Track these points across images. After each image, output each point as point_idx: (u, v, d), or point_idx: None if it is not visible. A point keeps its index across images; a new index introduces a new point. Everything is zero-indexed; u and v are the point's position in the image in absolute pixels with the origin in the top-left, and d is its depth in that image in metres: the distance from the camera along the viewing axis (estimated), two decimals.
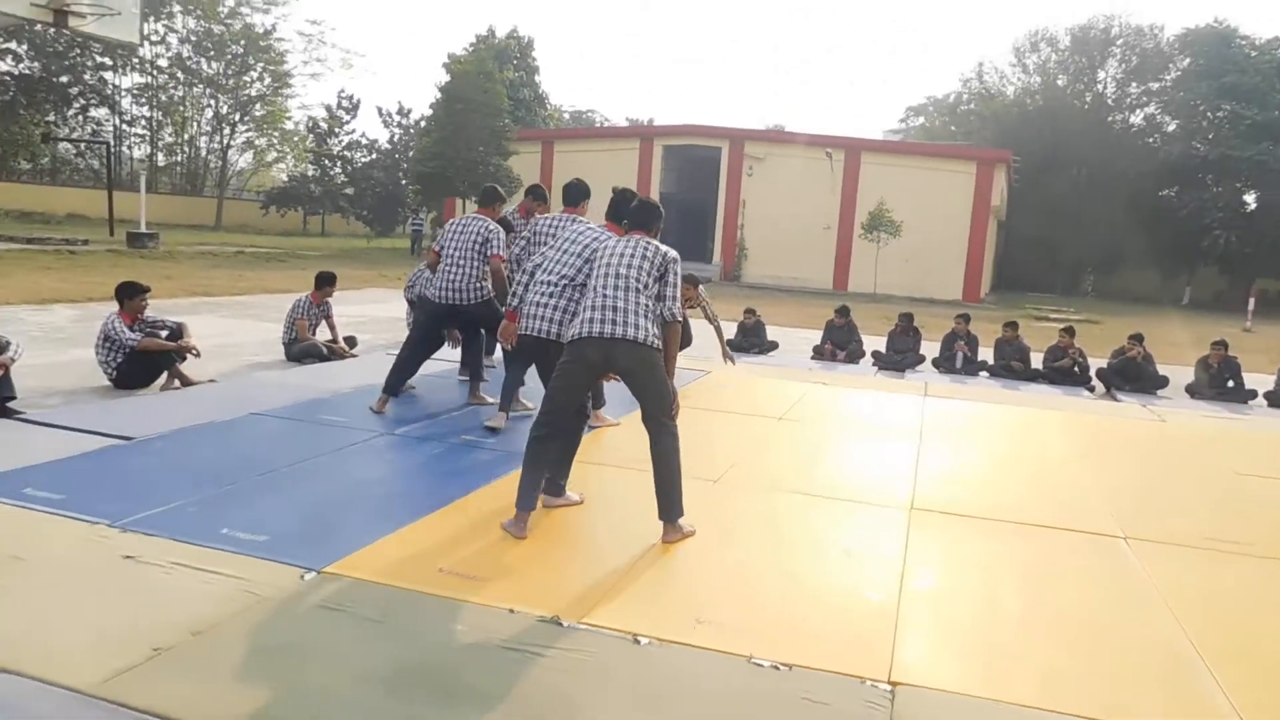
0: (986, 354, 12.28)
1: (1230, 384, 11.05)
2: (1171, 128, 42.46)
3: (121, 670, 2.75)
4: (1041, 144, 39.45)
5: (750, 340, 12.68)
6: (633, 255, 4.28)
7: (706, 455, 5.67)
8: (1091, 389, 11.25)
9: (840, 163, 30.64)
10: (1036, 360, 11.95)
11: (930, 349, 12.40)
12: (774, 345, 12.81)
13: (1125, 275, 41.24)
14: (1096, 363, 11.63)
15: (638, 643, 3.17)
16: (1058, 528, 4.86)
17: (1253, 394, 10.88)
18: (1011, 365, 11.73)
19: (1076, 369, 11.52)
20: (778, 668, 3.05)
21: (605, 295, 4.17)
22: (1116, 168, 39.42)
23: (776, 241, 30.94)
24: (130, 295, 7.38)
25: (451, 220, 6.77)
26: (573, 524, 4.50)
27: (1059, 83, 45.33)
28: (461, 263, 6.36)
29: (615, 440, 6.22)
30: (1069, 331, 12.08)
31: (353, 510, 4.51)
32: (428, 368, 7.29)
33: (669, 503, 4.23)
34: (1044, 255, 40.65)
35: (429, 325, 6.75)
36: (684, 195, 34.66)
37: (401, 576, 3.60)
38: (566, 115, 55.43)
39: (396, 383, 6.69)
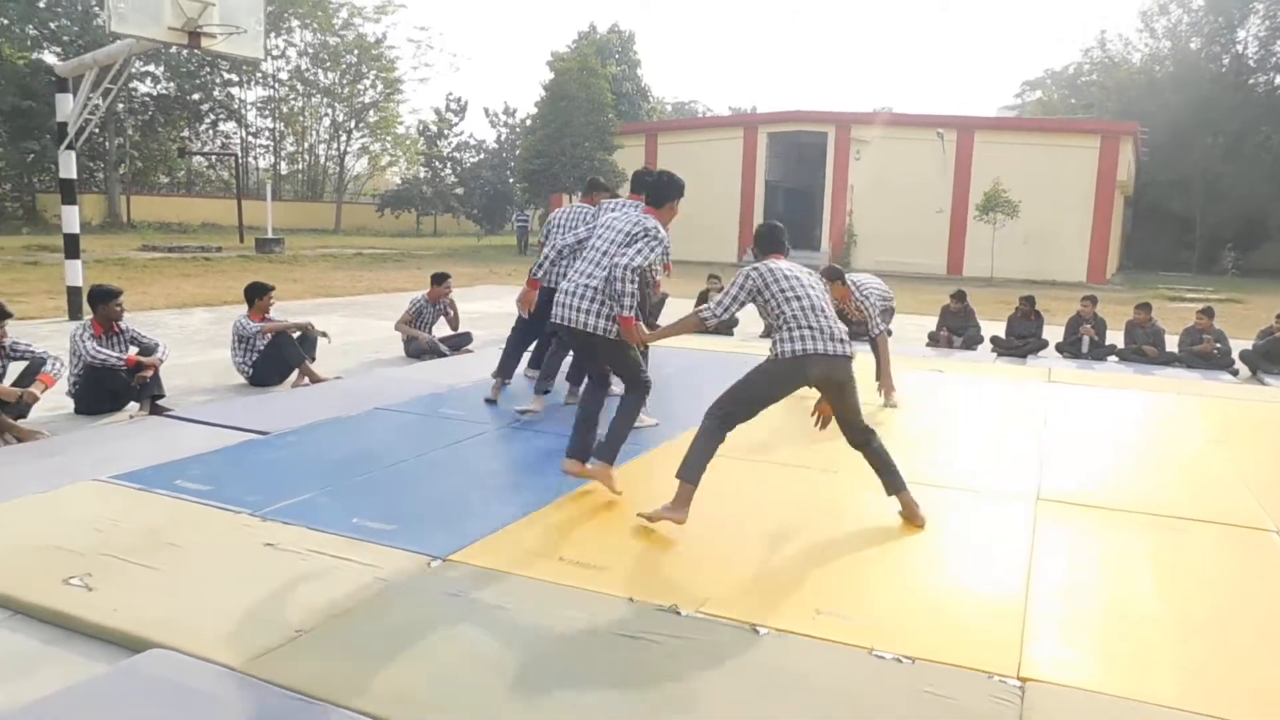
0: (1115, 338, 11.71)
1: None
2: None
3: (267, 650, 2.92)
4: (1171, 113, 37.28)
5: (858, 329, 12.43)
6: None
7: (825, 448, 5.60)
8: (1235, 373, 10.59)
9: (952, 143, 29.67)
10: (1171, 344, 11.32)
11: (1053, 334, 11.91)
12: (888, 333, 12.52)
13: (1271, 250, 38.54)
14: (1240, 345, 10.94)
15: (757, 633, 3.16)
16: (1197, 519, 4.62)
17: None
18: (1144, 350, 11.16)
19: (1217, 352, 10.86)
20: (900, 660, 2.99)
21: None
22: (1259, 133, 36.88)
23: (886, 227, 30.22)
24: (259, 295, 7.78)
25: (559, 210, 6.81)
26: (693, 514, 4.50)
27: (1192, 46, 42.67)
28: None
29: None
30: (1208, 312, 11.38)
31: (474, 500, 4.65)
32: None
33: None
34: (1177, 232, 38.41)
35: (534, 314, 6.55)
36: (790, 182, 34.24)
37: (522, 565, 3.69)
38: (669, 107, 55.44)
39: (508, 369, 6.86)
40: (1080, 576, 3.87)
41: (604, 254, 4.60)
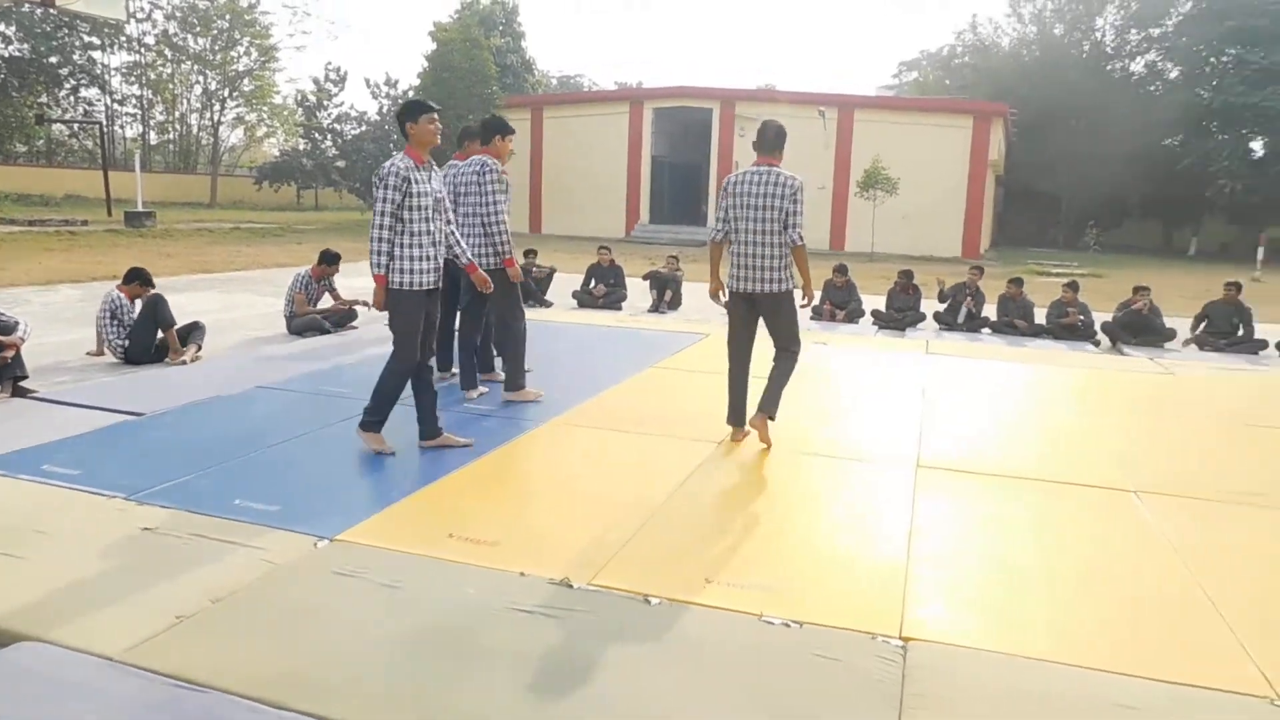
0: (989, 311, 12.26)
1: (1240, 330, 11.05)
2: (1174, 75, 41.89)
3: (147, 637, 2.80)
4: (1039, 96, 39.01)
5: None
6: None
7: (710, 418, 5.70)
8: (1097, 343, 11.23)
9: (833, 121, 30.35)
10: (1040, 316, 11.93)
11: (931, 306, 12.38)
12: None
13: (1129, 228, 41.00)
14: (1101, 317, 11.61)
15: (648, 603, 3.21)
16: (1066, 482, 4.89)
17: (1263, 344, 10.84)
18: (1015, 323, 11.73)
19: (1081, 324, 11.50)
20: (789, 625, 3.08)
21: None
22: (1117, 118, 38.95)
23: None
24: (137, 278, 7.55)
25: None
26: (580, 488, 4.54)
27: (1055, 32, 44.71)
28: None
29: (615, 404, 6.27)
30: (1072, 286, 12.03)
31: (362, 479, 4.57)
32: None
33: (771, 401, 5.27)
34: (1045, 209, 40.41)
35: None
36: (677, 158, 34.43)
37: (413, 542, 3.64)
38: (554, 81, 54.91)
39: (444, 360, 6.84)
40: (958, 538, 4.06)
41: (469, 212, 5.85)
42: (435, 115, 4.73)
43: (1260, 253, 26.18)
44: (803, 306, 5.37)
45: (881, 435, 5.73)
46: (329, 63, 63.47)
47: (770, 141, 5.23)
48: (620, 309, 12.69)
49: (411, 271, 4.64)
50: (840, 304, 12.33)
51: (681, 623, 3.08)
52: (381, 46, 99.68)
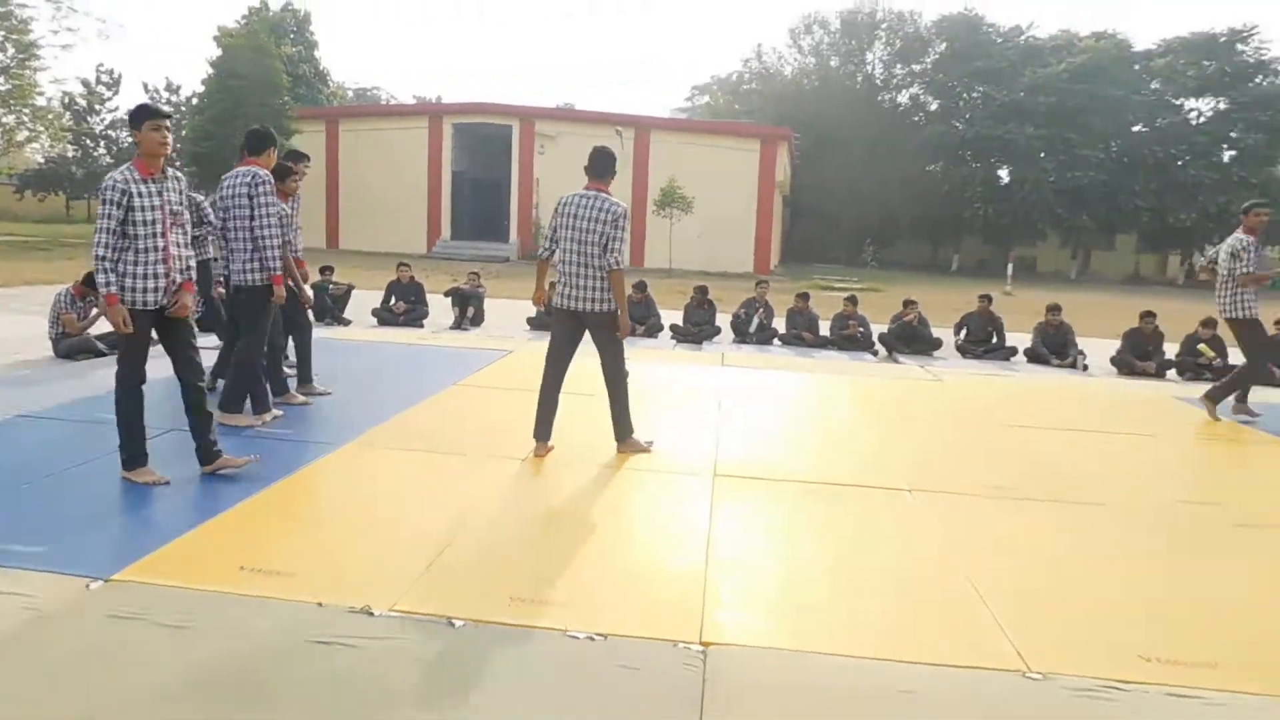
0: (779, 324, 12.93)
1: (994, 339, 12.22)
2: (934, 107, 45.93)
3: None
4: (819, 122, 41.68)
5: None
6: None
7: (513, 434, 5.70)
8: (875, 353, 12.09)
9: (630, 140, 31.10)
10: (824, 328, 12.70)
11: (726, 320, 12.91)
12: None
13: (901, 245, 44.46)
14: (879, 328, 12.50)
15: (452, 625, 3.16)
16: (849, 484, 5.22)
17: (1013, 351, 12.04)
18: (802, 335, 12.42)
19: (860, 335, 12.34)
20: (593, 639, 3.11)
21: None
22: (887, 145, 42.22)
23: None
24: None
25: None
26: (380, 511, 4.41)
27: (832, 64, 47.92)
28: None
29: (415, 424, 6.15)
30: (852, 300, 12.93)
31: (140, 513, 4.24)
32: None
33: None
34: (827, 228, 43.12)
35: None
36: (478, 174, 34.17)
37: (200, 578, 3.42)
38: (350, 93, 53.25)
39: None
40: (753, 543, 4.25)
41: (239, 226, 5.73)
42: (163, 122, 4.41)
43: (1010, 269, 29.12)
44: (619, 336, 5.48)
45: (681, 446, 5.89)
46: (101, 64, 58.69)
47: (600, 167, 5.44)
48: (422, 326, 12.44)
49: (135, 290, 4.35)
50: (640, 319, 12.62)
51: (486, 643, 3.05)
52: (162, 50, 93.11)
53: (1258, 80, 40.16)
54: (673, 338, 12.42)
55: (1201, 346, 11.28)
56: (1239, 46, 40.49)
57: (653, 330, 12.55)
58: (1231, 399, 8.04)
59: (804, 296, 13.08)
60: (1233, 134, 39.99)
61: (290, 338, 6.78)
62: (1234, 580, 4.05)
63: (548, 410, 5.47)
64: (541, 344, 10.76)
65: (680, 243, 28.62)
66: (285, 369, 6.66)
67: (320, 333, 7.60)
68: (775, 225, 33.14)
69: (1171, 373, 11.22)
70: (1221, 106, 40.66)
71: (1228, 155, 40.20)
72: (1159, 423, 7.61)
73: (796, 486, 5.13)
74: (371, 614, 3.20)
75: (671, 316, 12.99)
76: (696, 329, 12.44)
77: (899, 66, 47.03)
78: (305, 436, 5.65)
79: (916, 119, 45.88)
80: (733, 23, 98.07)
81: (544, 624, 3.20)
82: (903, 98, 47.83)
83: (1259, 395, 8.51)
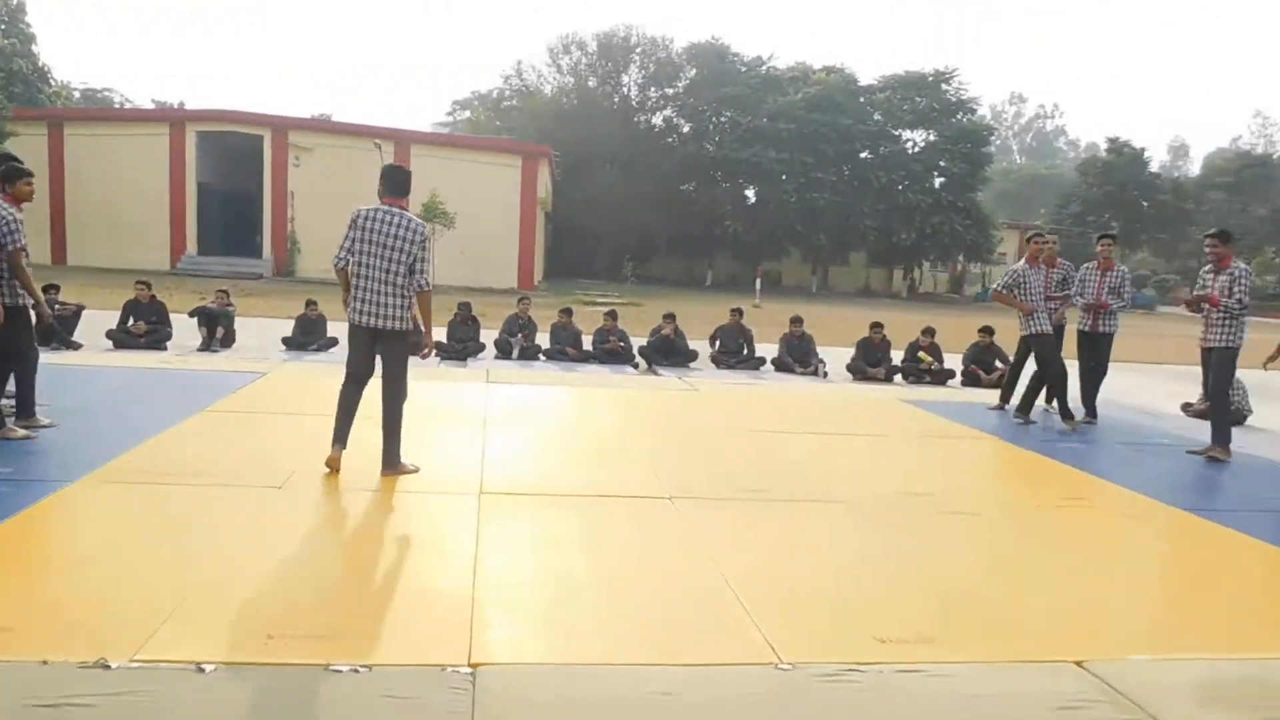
0: (543, 339, 13.07)
1: (745, 350, 12.97)
2: (686, 129, 48.09)
3: None
4: (579, 141, 42.51)
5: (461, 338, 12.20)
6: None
7: (271, 462, 5.43)
8: (636, 366, 12.49)
9: (390, 154, 30.34)
10: (587, 343, 12.98)
11: (491, 337, 12.90)
12: (333, 341, 12.52)
13: (659, 261, 46.17)
14: (638, 341, 12.93)
15: (202, 671, 2.94)
16: (616, 495, 5.38)
17: (762, 361, 12.84)
18: (566, 350, 12.62)
19: (621, 349, 12.72)
20: (357, 670, 3.00)
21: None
22: (644, 164, 43.80)
23: (332, 234, 29.42)
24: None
25: None
26: (120, 553, 4.06)
27: (590, 84, 49.05)
28: None
29: (160, 455, 5.71)
30: (612, 315, 13.31)
31: None
32: None
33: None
34: (589, 245, 44.03)
35: None
36: (227, 185, 32.07)
37: None
38: (77, 94, 48.41)
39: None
40: (521, 559, 4.27)
41: None
42: None
43: (758, 283, 31.04)
44: (424, 356, 5.61)
45: (446, 466, 5.83)
46: None
47: (399, 184, 5.47)
48: (165, 349, 11.53)
49: None
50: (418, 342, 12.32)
51: (241, 687, 2.88)
52: None
53: (958, 117, 45.50)
54: (437, 355, 12.21)
55: (921, 353, 12.60)
56: (944, 86, 45.68)
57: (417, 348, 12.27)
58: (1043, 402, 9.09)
59: (567, 312, 13.31)
60: (941, 163, 45.05)
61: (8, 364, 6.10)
62: (944, 562, 4.56)
63: (344, 422, 5.45)
64: (300, 365, 10.37)
65: (443, 259, 28.11)
66: (3, 400, 6.00)
67: (46, 358, 6.88)
68: (538, 241, 33.44)
69: (898, 377, 12.43)
70: (932, 138, 45.72)
71: (938, 181, 45.14)
72: (888, 424, 8.39)
73: (562, 500, 5.22)
74: (108, 667, 2.93)
75: (435, 334, 12.77)
76: (461, 346, 12.34)
77: (653, 89, 48.88)
78: (28, 475, 5.09)
79: (670, 140, 47.85)
80: (493, 39, 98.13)
81: (304, 660, 3.05)
82: (657, 119, 49.75)
83: (979, 396, 9.58)
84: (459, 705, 2.82)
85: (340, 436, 5.42)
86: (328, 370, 10.07)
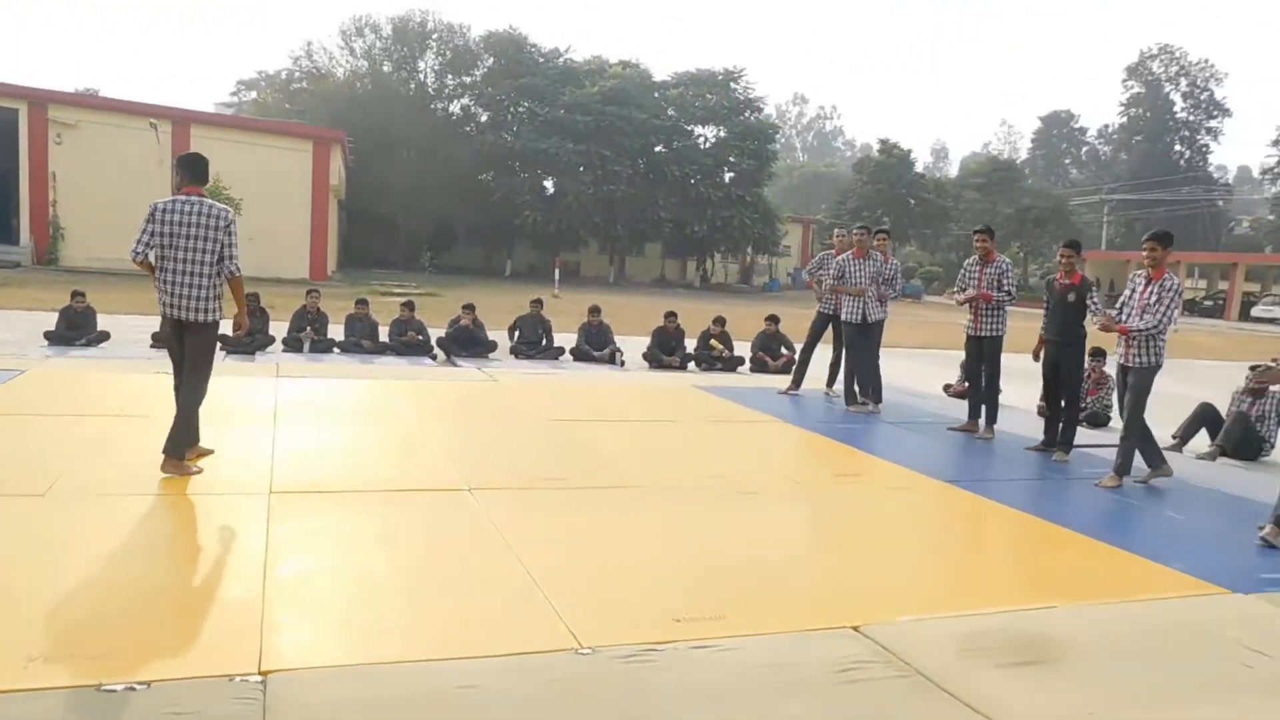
0: (336, 331, 12.64)
1: (544, 340, 13.07)
2: (484, 119, 47.45)
3: None
4: (374, 126, 41.06)
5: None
6: None
7: (29, 469, 5.03)
8: (435, 357, 12.32)
9: (168, 134, 28.22)
10: (384, 334, 12.67)
11: (279, 329, 12.34)
12: (104, 335, 11.59)
13: (458, 251, 45.41)
14: (436, 333, 12.75)
15: None
16: (410, 489, 5.35)
17: (561, 350, 12.98)
18: (362, 343, 12.27)
19: (420, 341, 12.49)
20: (134, 688, 2.81)
21: None
22: (442, 153, 42.87)
23: (101, 220, 27.25)
24: None
25: None
26: None
27: (385, 69, 47.45)
28: None
29: None
30: (409, 305, 13.05)
31: None
32: None
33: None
34: (385, 234, 42.68)
35: None
36: None
37: None
38: None
39: None
40: (316, 559, 4.19)
41: None
42: None
43: (557, 273, 31.25)
44: (238, 335, 5.70)
45: (233, 464, 5.61)
46: None
47: (198, 171, 5.46)
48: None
49: None
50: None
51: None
52: None
53: (746, 114, 47.54)
54: (222, 349, 11.55)
55: (713, 342, 13.17)
56: (732, 85, 47.54)
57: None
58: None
59: (363, 303, 12.95)
60: (731, 158, 46.87)
61: None
62: (735, 541, 4.87)
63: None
64: (65, 361, 9.55)
65: None
66: None
67: None
68: (331, 230, 32.10)
69: (691, 365, 12.93)
70: (722, 134, 47.44)
71: (728, 176, 46.95)
72: (682, 410, 8.76)
73: (358, 496, 5.15)
74: None
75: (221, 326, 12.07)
76: (249, 339, 11.72)
77: (450, 77, 47.89)
78: None
79: (468, 129, 47.09)
80: (279, 16, 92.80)
81: (72, 683, 2.82)
82: (455, 107, 48.80)
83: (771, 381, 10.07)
84: (248, 714, 2.72)
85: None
86: (99, 366, 9.36)
